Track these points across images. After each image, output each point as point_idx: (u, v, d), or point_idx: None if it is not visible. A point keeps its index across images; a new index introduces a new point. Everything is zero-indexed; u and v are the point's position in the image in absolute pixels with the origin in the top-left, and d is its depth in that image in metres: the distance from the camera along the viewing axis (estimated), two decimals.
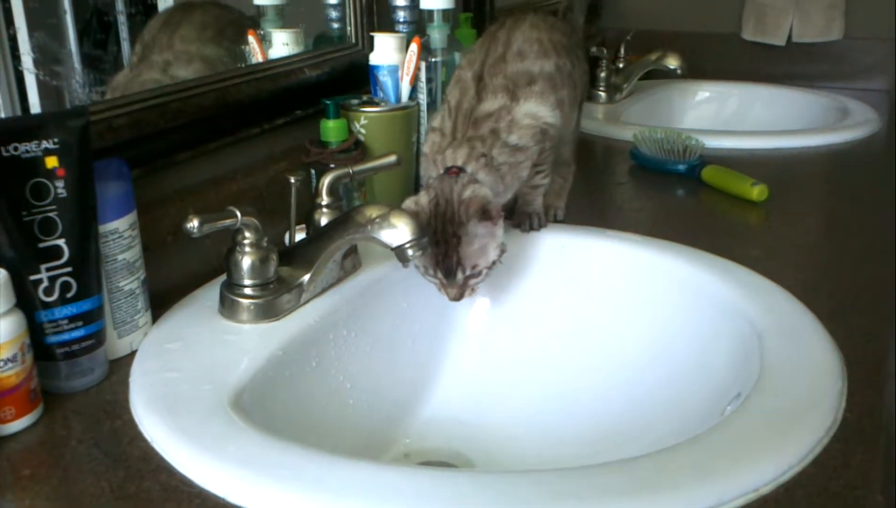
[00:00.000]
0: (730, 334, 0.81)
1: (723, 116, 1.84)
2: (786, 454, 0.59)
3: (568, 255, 0.99)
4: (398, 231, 0.77)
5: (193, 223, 0.71)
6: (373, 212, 0.78)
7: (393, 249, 0.77)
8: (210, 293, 0.84)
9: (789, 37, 1.91)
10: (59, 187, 0.66)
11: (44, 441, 0.64)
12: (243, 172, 0.96)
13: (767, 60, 1.94)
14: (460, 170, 0.85)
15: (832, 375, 0.69)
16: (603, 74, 1.74)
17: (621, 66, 1.79)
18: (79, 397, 0.69)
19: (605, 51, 1.75)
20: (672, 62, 1.77)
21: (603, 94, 1.74)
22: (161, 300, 0.82)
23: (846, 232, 1.04)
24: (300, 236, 0.88)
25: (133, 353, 0.75)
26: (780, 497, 0.56)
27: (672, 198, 1.20)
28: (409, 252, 0.77)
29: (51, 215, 0.66)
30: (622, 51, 1.81)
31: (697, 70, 1.87)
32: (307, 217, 0.88)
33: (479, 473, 0.59)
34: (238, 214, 0.75)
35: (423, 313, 0.94)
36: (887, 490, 0.57)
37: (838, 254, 0.97)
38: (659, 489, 0.56)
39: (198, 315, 0.80)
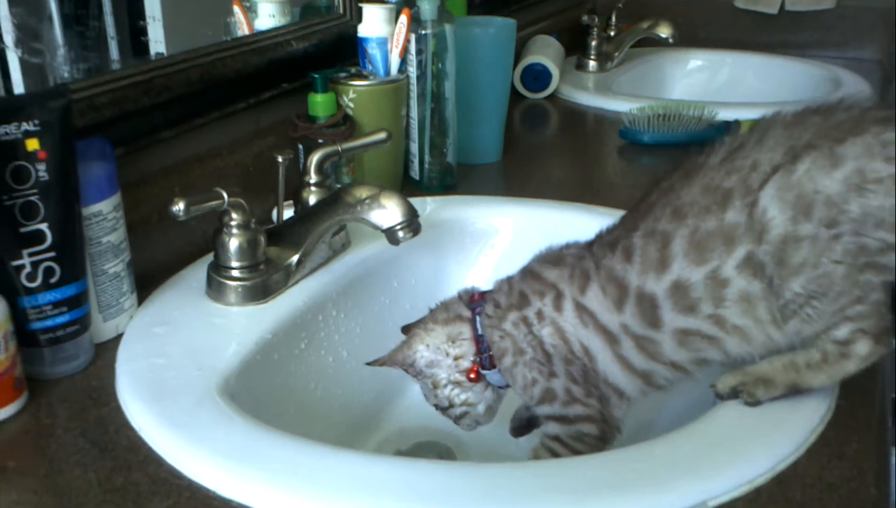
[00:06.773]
0: None
1: (714, 85, 1.83)
2: (781, 443, 0.59)
3: (549, 234, 0.97)
4: (389, 212, 0.76)
5: (179, 206, 0.70)
6: (363, 193, 0.77)
7: (384, 230, 0.76)
8: (196, 274, 0.82)
9: (782, 5, 1.89)
10: (41, 170, 0.64)
11: (29, 430, 0.62)
12: (229, 149, 0.94)
13: (760, 29, 1.92)
14: None
15: None
16: (594, 43, 1.71)
17: (612, 34, 1.77)
18: (64, 383, 0.68)
19: (596, 19, 1.72)
20: (664, 31, 1.75)
21: (594, 63, 1.71)
22: (147, 281, 0.80)
23: None
24: (288, 212, 0.87)
25: (119, 336, 0.74)
26: (773, 489, 0.56)
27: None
28: (400, 234, 0.75)
29: (32, 198, 0.64)
30: (613, 19, 1.79)
31: (689, 38, 1.85)
32: (295, 194, 0.86)
33: (472, 466, 0.59)
34: (225, 195, 0.74)
35: (413, 292, 0.93)
36: (881, 482, 0.56)
37: None
38: (652, 482, 0.55)
39: (184, 297, 0.79)
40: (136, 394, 0.65)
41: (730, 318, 0.62)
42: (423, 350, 0.73)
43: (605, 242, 0.69)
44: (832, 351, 0.61)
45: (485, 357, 0.71)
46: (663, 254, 0.63)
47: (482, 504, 0.53)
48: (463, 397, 0.73)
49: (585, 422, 0.67)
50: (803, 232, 0.59)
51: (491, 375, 0.72)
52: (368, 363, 0.76)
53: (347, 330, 0.85)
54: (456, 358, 0.72)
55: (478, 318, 0.72)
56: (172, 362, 0.68)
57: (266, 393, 0.72)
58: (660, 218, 0.64)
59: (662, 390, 0.68)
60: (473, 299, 0.74)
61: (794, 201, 0.59)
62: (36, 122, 0.64)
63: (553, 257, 0.71)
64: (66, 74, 0.76)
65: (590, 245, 0.70)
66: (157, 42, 0.85)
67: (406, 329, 0.76)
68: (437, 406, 0.75)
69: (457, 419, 0.75)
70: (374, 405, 0.88)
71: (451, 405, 0.73)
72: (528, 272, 0.72)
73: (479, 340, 0.71)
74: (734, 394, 0.63)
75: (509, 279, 0.73)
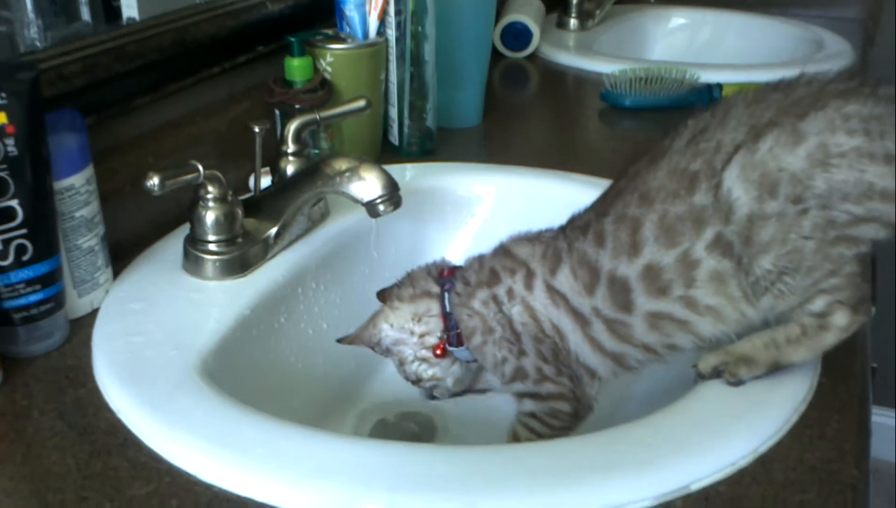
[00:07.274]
0: None
1: (695, 46, 1.80)
2: (763, 424, 0.59)
3: (532, 203, 0.96)
4: (369, 185, 0.74)
5: (154, 181, 0.68)
6: (342, 165, 0.75)
7: (364, 204, 0.75)
8: (172, 245, 0.81)
9: None
10: (10, 145, 0.62)
11: (4, 412, 0.61)
12: (203, 115, 0.91)
13: None
14: None
15: None
16: (575, 1, 1.69)
17: None
18: (39, 361, 0.67)
19: None
20: None
21: (575, 21, 1.69)
22: (122, 252, 0.79)
23: None
24: (265, 180, 0.85)
25: (95, 312, 0.72)
26: (756, 470, 0.56)
27: (655, 137, 1.17)
28: (381, 208, 0.74)
29: (1, 175, 0.62)
30: None
31: None
32: (272, 163, 0.84)
33: (453, 448, 0.59)
34: (200, 168, 0.72)
35: (393, 261, 0.92)
36: (861, 463, 0.57)
37: None
38: (634, 463, 0.55)
39: (160, 271, 0.77)
40: (114, 374, 0.64)
41: (701, 299, 0.62)
42: (388, 330, 0.73)
43: (576, 225, 0.68)
44: (810, 324, 0.61)
45: (452, 335, 0.71)
46: (634, 239, 0.63)
47: (463, 486, 0.53)
48: (430, 372, 0.73)
49: (558, 400, 0.67)
50: (769, 210, 0.59)
51: (459, 352, 0.72)
52: (339, 340, 0.75)
53: (327, 302, 0.84)
54: (421, 335, 0.72)
55: (446, 295, 0.71)
56: (150, 340, 0.67)
57: (246, 369, 0.71)
58: (629, 203, 0.64)
59: (634, 371, 0.68)
60: (443, 275, 0.73)
61: (758, 180, 0.59)
62: (3, 94, 0.61)
63: (527, 237, 0.71)
64: (35, 43, 0.73)
65: (563, 229, 0.69)
66: (129, 7, 0.82)
67: (381, 295, 0.76)
68: (407, 379, 0.75)
69: (429, 390, 0.75)
70: (355, 376, 0.87)
71: (420, 380, 0.74)
72: (501, 250, 0.71)
73: (447, 317, 0.71)
74: (716, 374, 0.63)
75: (480, 257, 0.73)
